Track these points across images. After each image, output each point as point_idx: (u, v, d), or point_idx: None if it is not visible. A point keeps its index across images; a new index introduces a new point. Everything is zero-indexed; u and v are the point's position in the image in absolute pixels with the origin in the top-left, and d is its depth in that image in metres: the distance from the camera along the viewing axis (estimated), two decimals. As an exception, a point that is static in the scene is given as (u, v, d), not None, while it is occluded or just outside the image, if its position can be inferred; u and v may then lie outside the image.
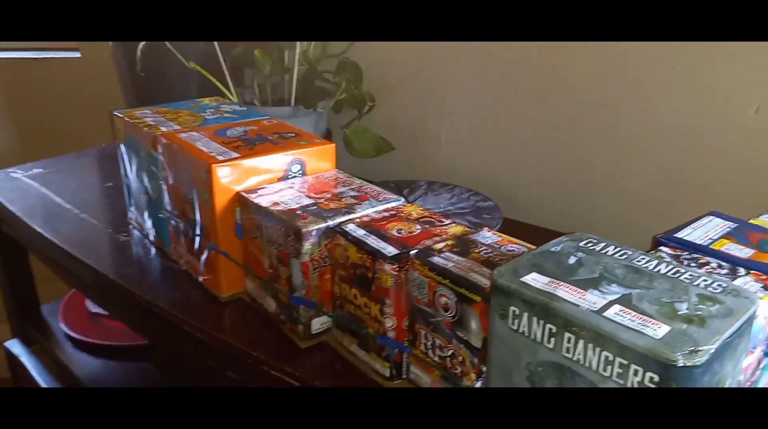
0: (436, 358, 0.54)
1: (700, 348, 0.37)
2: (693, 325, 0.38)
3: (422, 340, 0.55)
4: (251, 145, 0.73)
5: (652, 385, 0.37)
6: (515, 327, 0.43)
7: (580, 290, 0.42)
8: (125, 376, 1.03)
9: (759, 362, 0.52)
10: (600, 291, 0.42)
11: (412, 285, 0.54)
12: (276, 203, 0.65)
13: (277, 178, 0.71)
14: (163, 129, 0.78)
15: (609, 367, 0.39)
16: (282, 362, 0.62)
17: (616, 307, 0.40)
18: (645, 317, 0.39)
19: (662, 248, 0.56)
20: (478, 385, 0.50)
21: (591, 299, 0.41)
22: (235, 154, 0.69)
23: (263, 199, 0.66)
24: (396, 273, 0.54)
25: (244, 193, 0.67)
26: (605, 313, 0.40)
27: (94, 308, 1.13)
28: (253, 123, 0.81)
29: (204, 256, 0.73)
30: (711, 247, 0.56)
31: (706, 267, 0.53)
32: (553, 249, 0.48)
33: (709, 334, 0.38)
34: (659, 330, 0.38)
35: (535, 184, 0.97)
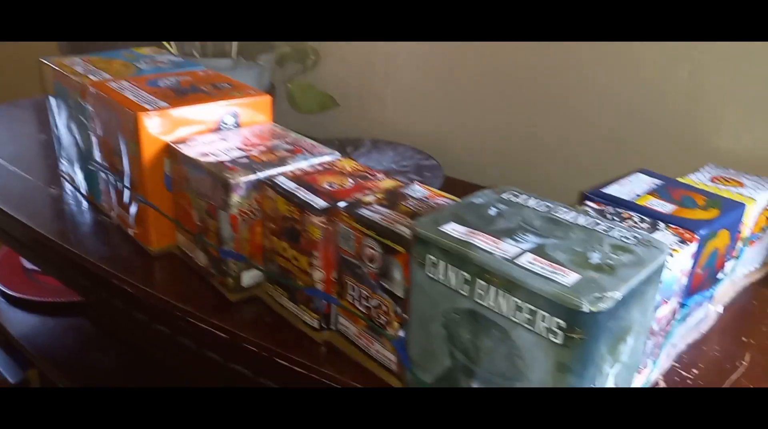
0: (362, 309, 0.54)
1: (606, 294, 0.37)
2: (602, 273, 0.39)
3: (349, 292, 0.55)
4: (183, 95, 0.70)
5: (559, 331, 0.38)
6: (433, 275, 0.44)
7: (495, 239, 0.42)
8: (62, 332, 1.01)
9: (674, 313, 0.53)
10: (515, 240, 0.42)
11: (339, 237, 0.54)
12: (205, 154, 0.63)
13: (210, 130, 0.69)
14: (93, 78, 0.75)
15: (519, 313, 0.39)
16: (210, 315, 0.61)
17: (529, 256, 0.41)
18: (556, 265, 0.40)
19: (588, 203, 0.57)
20: (401, 334, 0.51)
21: (505, 248, 0.41)
22: (164, 104, 0.67)
23: (192, 150, 0.64)
24: (324, 225, 0.54)
25: (172, 144, 0.65)
26: (518, 261, 0.40)
27: (29, 264, 1.10)
28: (187, 74, 0.78)
29: (133, 209, 0.71)
30: (635, 202, 0.57)
31: (628, 221, 0.54)
32: (475, 201, 0.48)
33: (617, 281, 0.38)
34: (568, 277, 0.39)
35: (477, 144, 0.97)
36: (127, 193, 0.71)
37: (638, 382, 0.50)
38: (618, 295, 0.37)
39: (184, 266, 0.69)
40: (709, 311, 0.63)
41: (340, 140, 0.97)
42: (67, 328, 1.02)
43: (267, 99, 0.73)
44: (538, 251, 0.41)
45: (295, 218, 0.56)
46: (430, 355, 0.46)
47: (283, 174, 0.60)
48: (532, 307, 0.38)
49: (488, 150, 0.97)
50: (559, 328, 0.37)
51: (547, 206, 0.47)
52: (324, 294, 0.56)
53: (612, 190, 0.59)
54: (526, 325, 0.39)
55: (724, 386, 0.55)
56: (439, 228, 0.44)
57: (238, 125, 0.71)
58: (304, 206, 0.55)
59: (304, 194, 0.56)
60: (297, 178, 0.59)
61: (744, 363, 0.58)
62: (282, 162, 0.62)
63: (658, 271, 0.42)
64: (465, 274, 0.41)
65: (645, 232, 0.44)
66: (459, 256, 0.42)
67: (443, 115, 1.00)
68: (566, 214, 0.46)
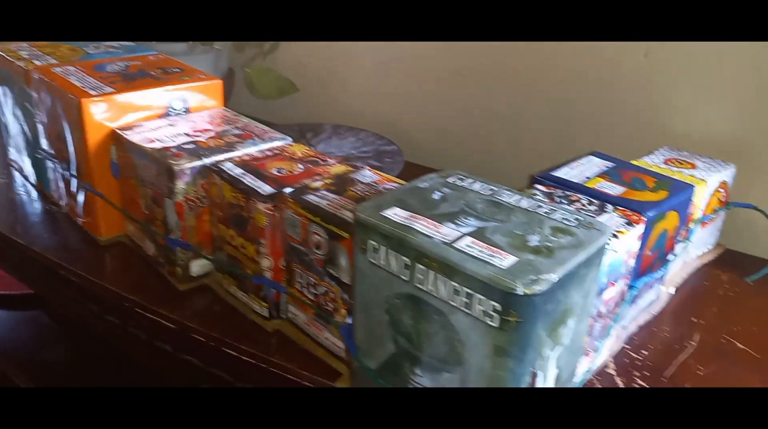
0: (310, 297, 0.53)
1: (542, 277, 0.37)
2: (540, 256, 0.39)
3: (297, 279, 0.54)
4: (130, 80, 0.68)
5: (495, 314, 0.37)
6: (374, 261, 0.43)
7: (436, 223, 0.42)
8: (18, 326, 0.99)
9: (622, 295, 0.54)
10: (456, 224, 0.42)
11: (286, 224, 0.53)
12: (151, 140, 0.61)
13: (158, 116, 0.68)
14: (38, 63, 0.73)
15: (456, 297, 0.39)
16: (159, 306, 0.60)
17: (468, 240, 0.40)
18: (494, 249, 0.39)
19: (537, 186, 0.57)
20: (348, 321, 0.50)
21: (445, 232, 0.41)
22: (109, 89, 0.65)
23: (138, 137, 0.62)
24: (270, 212, 0.53)
25: (118, 130, 0.64)
26: (456, 245, 0.40)
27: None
28: (137, 58, 0.76)
29: (81, 198, 0.69)
30: (585, 184, 0.57)
31: (576, 203, 0.54)
32: (421, 185, 0.48)
33: (554, 263, 0.38)
34: (505, 261, 0.38)
35: (438, 129, 0.97)
36: (74, 182, 0.69)
37: (585, 365, 0.50)
38: (554, 277, 0.37)
39: (134, 256, 0.68)
40: (660, 293, 0.64)
41: (299, 126, 0.95)
42: (25, 321, 1.00)
43: (218, 83, 0.71)
44: (478, 235, 0.41)
45: (241, 205, 0.54)
46: (374, 341, 0.46)
47: (231, 160, 0.59)
48: (469, 291, 0.38)
49: (448, 135, 0.96)
50: (495, 311, 0.37)
51: (492, 190, 0.47)
52: (272, 282, 0.55)
53: (562, 172, 0.59)
54: (463, 309, 0.39)
55: (672, 367, 0.55)
56: (381, 213, 0.43)
57: (187, 111, 0.69)
58: (250, 193, 0.54)
59: (250, 180, 0.55)
60: (244, 164, 0.58)
61: (693, 343, 0.59)
62: (230, 148, 0.61)
63: (599, 253, 0.41)
64: (405, 258, 0.41)
65: (587, 215, 0.44)
66: (398, 240, 0.41)
67: (405, 101, 0.99)
68: (510, 198, 0.46)
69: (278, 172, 0.57)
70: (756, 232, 0.75)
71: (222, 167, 0.57)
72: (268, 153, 0.61)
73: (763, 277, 0.69)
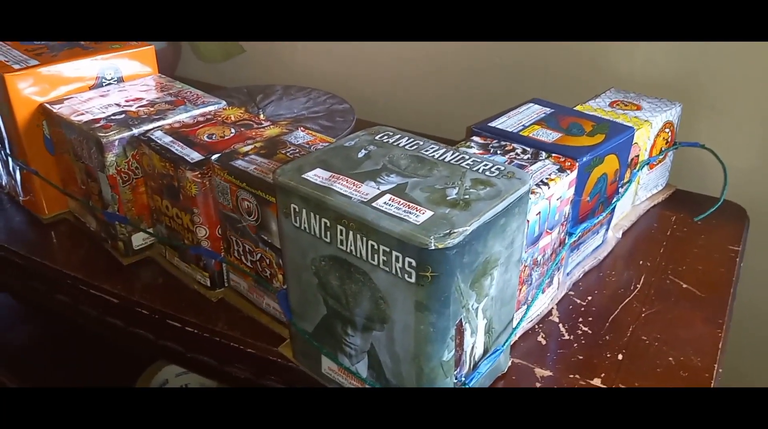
0: (248, 264, 0.53)
1: (455, 230, 0.36)
2: (456, 209, 0.38)
3: (234, 247, 0.53)
4: (57, 51, 0.66)
5: (411, 270, 0.37)
6: (297, 224, 0.42)
7: (357, 182, 0.41)
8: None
9: (561, 242, 0.53)
10: (377, 182, 0.41)
11: (217, 191, 0.52)
12: (80, 113, 0.59)
13: (89, 87, 0.66)
14: (-38, 39, 0.70)
15: (376, 256, 0.38)
16: (103, 281, 0.59)
17: (387, 197, 0.39)
18: (412, 205, 0.39)
19: (474, 138, 0.56)
20: (286, 286, 0.50)
21: (365, 191, 0.40)
22: (34, 62, 0.63)
23: (67, 110, 0.60)
24: (199, 180, 0.52)
25: (47, 105, 0.62)
26: (375, 203, 0.39)
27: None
28: (67, 28, 0.74)
29: (18, 177, 0.67)
30: (521, 133, 0.56)
31: (511, 153, 0.53)
32: (347, 143, 0.47)
33: (469, 216, 0.38)
34: (421, 216, 0.38)
35: (390, 86, 0.95)
36: (11, 161, 0.67)
37: (520, 313, 0.50)
38: (468, 229, 0.37)
39: (79, 232, 0.67)
40: (607, 237, 0.64)
41: (248, 88, 0.93)
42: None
43: (150, 50, 0.69)
44: (397, 191, 0.40)
45: (171, 175, 0.53)
46: (307, 305, 0.45)
47: (161, 128, 0.57)
48: (386, 249, 0.37)
49: (399, 90, 0.94)
50: (411, 267, 0.37)
51: (418, 144, 0.46)
52: (209, 251, 0.54)
53: (499, 122, 0.58)
54: (383, 267, 0.38)
55: (616, 311, 0.56)
56: (302, 175, 0.42)
57: (120, 80, 0.67)
58: (178, 161, 0.52)
59: (179, 149, 0.54)
60: (175, 132, 0.57)
61: (638, 286, 0.59)
62: (162, 115, 0.60)
63: (519, 202, 0.41)
64: (325, 220, 0.40)
65: (509, 165, 0.43)
66: (317, 202, 0.40)
67: (357, 58, 0.96)
68: (435, 152, 0.45)
69: (209, 138, 0.56)
70: (706, 171, 0.75)
71: (151, 137, 0.56)
72: (201, 119, 0.60)
73: (711, 215, 0.69)
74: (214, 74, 1.06)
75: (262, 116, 0.85)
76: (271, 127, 0.58)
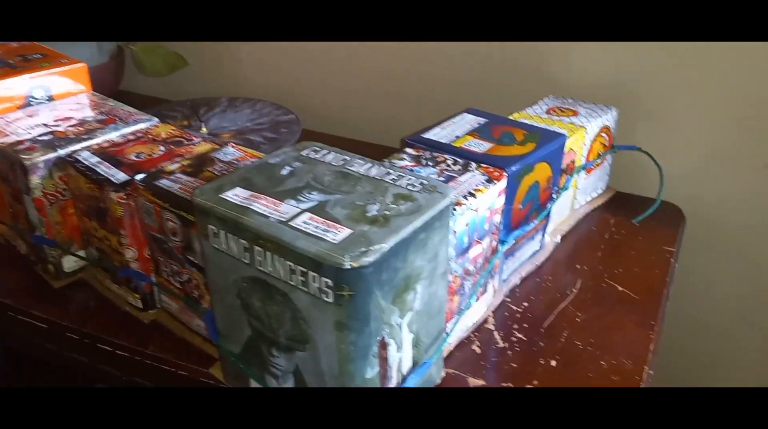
0: (177, 285, 0.52)
1: (372, 248, 0.36)
2: (375, 226, 0.38)
3: (163, 268, 0.52)
4: (-18, 71, 0.64)
5: (329, 290, 0.36)
6: (217, 246, 0.42)
7: (276, 201, 0.40)
8: None
9: (492, 251, 0.54)
10: (297, 200, 0.41)
11: (142, 212, 0.51)
12: (5, 134, 0.58)
13: (17, 107, 0.64)
14: None
15: (294, 276, 0.38)
16: (32, 306, 0.58)
17: (306, 216, 0.39)
18: (331, 223, 0.38)
19: (407, 149, 0.56)
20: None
21: (284, 210, 0.40)
22: (-44, 83, 0.61)
23: (-10, 132, 0.58)
24: (124, 201, 0.51)
25: (-31, 127, 0.60)
26: (292, 223, 0.38)
27: None
28: (-4, 46, 0.72)
29: (-56, 201, 0.65)
30: (453, 144, 0.56)
31: (441, 164, 0.53)
32: (271, 161, 0.46)
33: (387, 232, 0.37)
34: (339, 234, 0.37)
35: (337, 96, 0.95)
36: (-65, 184, 0.65)
37: (452, 322, 0.50)
38: (385, 247, 0.37)
39: (8, 256, 0.65)
40: (545, 242, 0.64)
41: (192, 101, 0.92)
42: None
43: (82, 67, 0.67)
44: (318, 210, 0.40)
45: (97, 196, 0.52)
46: (232, 326, 0.45)
47: (89, 148, 0.56)
48: (303, 269, 0.37)
49: (346, 100, 0.94)
50: (328, 287, 0.36)
51: (344, 160, 0.46)
52: (138, 273, 0.53)
53: (433, 133, 0.58)
54: (301, 288, 0.38)
55: (551, 317, 0.56)
56: (221, 195, 0.42)
57: (51, 98, 0.66)
58: (103, 182, 0.51)
59: (105, 169, 0.53)
60: (102, 152, 0.55)
61: (575, 291, 0.60)
62: (90, 135, 0.58)
63: (440, 216, 0.41)
64: (243, 241, 0.40)
65: (434, 178, 0.43)
66: (234, 223, 0.40)
67: (303, 68, 0.96)
68: (360, 167, 0.45)
69: (137, 157, 0.55)
70: (644, 173, 0.76)
71: (78, 157, 0.55)
72: (131, 137, 0.58)
73: (649, 216, 0.70)
74: (160, 88, 1.05)
75: (204, 130, 0.84)
76: (203, 143, 0.57)
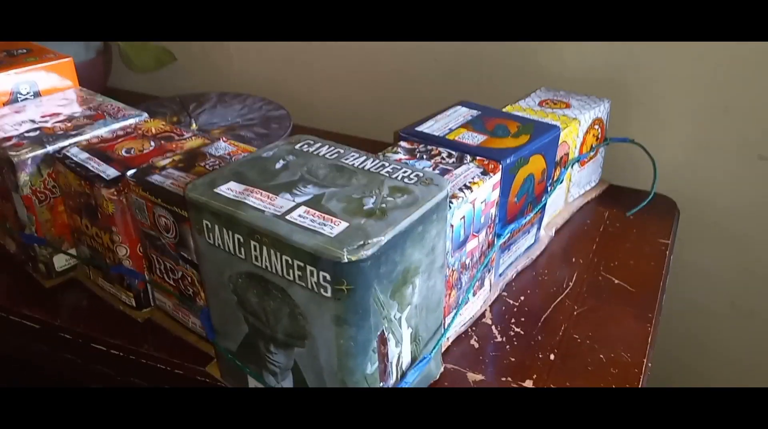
0: (171, 282, 0.51)
1: (370, 241, 0.36)
2: (372, 219, 0.37)
3: (156, 265, 0.52)
4: (-33, 67, 0.63)
5: (327, 284, 0.36)
6: (211, 241, 0.41)
7: (271, 195, 0.40)
8: None
9: (489, 244, 0.53)
10: (292, 194, 0.40)
11: (134, 208, 0.50)
12: (-9, 132, 0.57)
13: (3, 103, 0.63)
14: None
15: (291, 271, 0.37)
16: (22, 306, 0.57)
17: (302, 209, 0.38)
18: (328, 216, 0.38)
19: (401, 143, 0.56)
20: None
21: (279, 203, 0.39)
22: (-60, 79, 0.60)
23: (-24, 129, 0.57)
24: (115, 197, 0.50)
25: (-45, 124, 0.59)
26: (288, 217, 0.38)
27: None
28: (-20, 42, 0.70)
29: (-70, 200, 0.64)
30: (447, 137, 0.56)
31: (436, 157, 0.52)
32: (264, 154, 0.45)
33: (384, 225, 0.37)
34: (336, 228, 0.37)
35: (327, 90, 0.94)
36: None
37: (450, 316, 0.49)
38: (383, 240, 0.36)
39: (0, 255, 0.64)
40: (540, 236, 0.64)
41: (182, 97, 0.91)
42: None
43: (68, 62, 0.66)
44: (314, 203, 0.39)
45: (88, 193, 0.51)
46: (228, 323, 0.44)
47: (78, 144, 0.55)
48: (300, 263, 0.36)
49: (336, 94, 0.93)
50: (326, 281, 0.36)
51: (338, 153, 0.45)
52: (130, 271, 0.53)
53: (426, 126, 0.57)
54: (299, 283, 0.37)
55: (548, 310, 0.56)
56: (215, 189, 0.41)
57: (38, 94, 0.65)
58: (94, 179, 0.50)
59: (95, 165, 0.52)
60: (92, 148, 0.54)
61: (571, 284, 0.59)
62: (79, 131, 0.57)
63: (437, 208, 0.40)
64: (238, 235, 0.39)
65: (430, 171, 0.43)
66: (229, 218, 0.39)
67: (293, 63, 0.95)
68: (355, 160, 0.44)
69: (127, 152, 0.54)
70: (637, 166, 0.76)
71: (67, 154, 0.54)
72: (120, 133, 0.57)
73: (643, 209, 0.70)
74: (148, 84, 1.04)
75: (194, 126, 0.83)
76: (193, 138, 0.57)
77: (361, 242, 0.36)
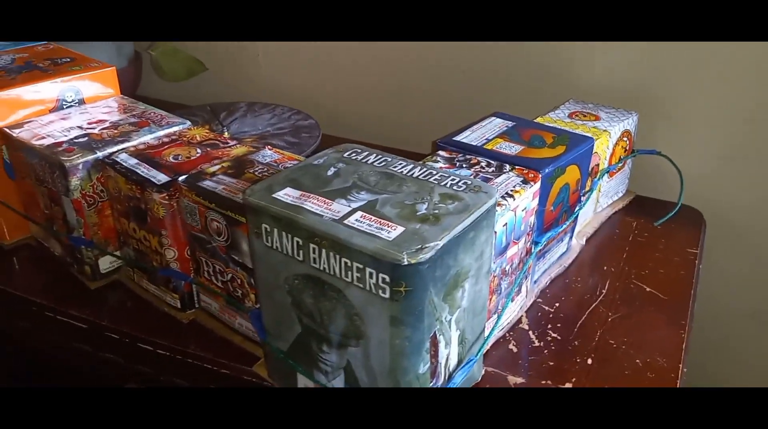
0: (219, 284, 0.53)
1: (427, 245, 0.37)
2: (426, 224, 0.39)
3: (204, 268, 0.53)
4: (16, 74, 0.65)
5: (385, 286, 0.37)
6: (269, 243, 0.42)
7: (327, 201, 0.41)
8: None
9: (527, 251, 0.55)
10: (347, 199, 0.42)
11: (185, 212, 0.52)
12: (41, 137, 0.58)
13: (50, 110, 0.65)
14: None
15: (349, 273, 0.39)
16: (68, 306, 0.58)
17: (358, 214, 0.40)
18: (384, 221, 0.39)
19: (440, 152, 0.57)
20: (258, 305, 0.50)
21: (336, 208, 0.41)
22: (-9, 86, 0.62)
23: (27, 134, 0.59)
24: (166, 202, 0.51)
25: (6, 129, 0.60)
26: (346, 221, 0.39)
27: None
28: (25, 50, 0.72)
29: (-23, 203, 0.65)
30: (484, 147, 0.57)
31: (476, 166, 0.54)
32: (315, 162, 0.47)
33: (439, 230, 0.38)
34: (393, 232, 0.38)
35: (354, 100, 0.96)
36: (-33, 187, 0.66)
37: (491, 322, 0.51)
38: (439, 244, 0.37)
39: (42, 257, 0.65)
40: (572, 245, 0.65)
41: (212, 106, 0.93)
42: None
43: (111, 71, 0.68)
44: (368, 208, 0.41)
45: (138, 197, 0.53)
46: (281, 324, 0.45)
47: (126, 150, 0.57)
48: (359, 265, 0.38)
49: (365, 105, 0.95)
50: (385, 282, 0.37)
51: (386, 161, 0.47)
52: (178, 273, 0.54)
53: (463, 136, 0.59)
54: (357, 284, 0.39)
55: (583, 317, 0.57)
56: (273, 195, 0.42)
57: (82, 101, 0.67)
58: (145, 183, 0.52)
59: (144, 170, 0.53)
60: (140, 154, 0.56)
61: (603, 291, 0.61)
62: (126, 137, 0.59)
63: (487, 215, 0.42)
64: (297, 239, 0.40)
65: (484, 177, 0.44)
66: (289, 221, 0.40)
67: (320, 72, 0.97)
68: (403, 168, 0.46)
69: (175, 159, 0.55)
70: (663, 177, 0.77)
71: (116, 159, 0.55)
72: (166, 140, 0.59)
73: (670, 219, 0.72)
74: (176, 93, 1.06)
75: (226, 134, 0.85)
76: (238, 146, 0.58)
77: (419, 246, 0.37)
